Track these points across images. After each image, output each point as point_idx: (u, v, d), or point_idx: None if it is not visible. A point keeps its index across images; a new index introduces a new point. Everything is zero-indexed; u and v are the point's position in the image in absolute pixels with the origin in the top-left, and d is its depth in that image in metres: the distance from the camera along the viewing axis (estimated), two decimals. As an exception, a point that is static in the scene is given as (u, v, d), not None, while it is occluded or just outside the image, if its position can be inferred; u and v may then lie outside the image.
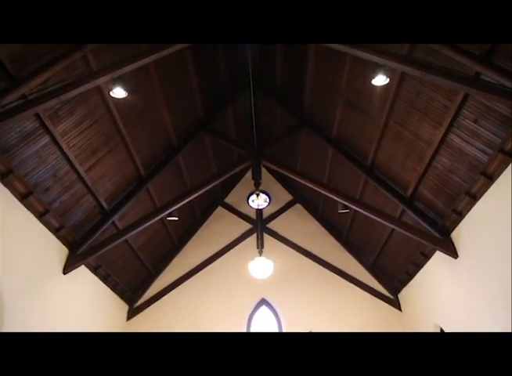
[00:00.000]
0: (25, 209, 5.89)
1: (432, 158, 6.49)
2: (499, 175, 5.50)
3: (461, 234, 6.75)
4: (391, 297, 10.20)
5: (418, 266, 8.55)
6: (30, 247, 6.11)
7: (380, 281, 10.41)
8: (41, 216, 6.24)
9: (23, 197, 5.77)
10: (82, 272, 7.69)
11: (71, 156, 6.20)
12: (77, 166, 6.44)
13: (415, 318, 9.18)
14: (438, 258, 7.57)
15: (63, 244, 7.00)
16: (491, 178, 5.64)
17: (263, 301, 10.52)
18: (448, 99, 5.76)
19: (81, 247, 7.25)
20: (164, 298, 10.40)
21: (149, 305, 10.32)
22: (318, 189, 7.99)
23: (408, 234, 7.35)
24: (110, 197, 7.60)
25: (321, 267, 10.66)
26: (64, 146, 6.00)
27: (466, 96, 5.45)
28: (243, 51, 7.53)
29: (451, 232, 7.02)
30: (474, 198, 6.12)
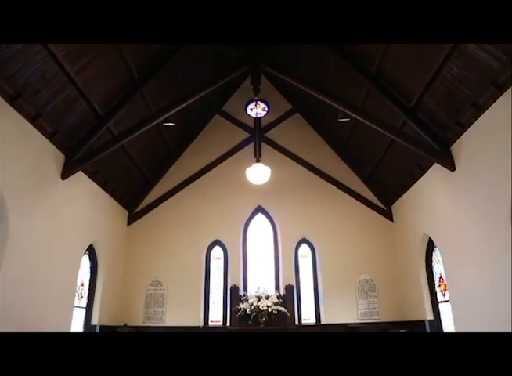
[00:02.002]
0: (16, 113, 5.70)
1: (441, 66, 6.14)
2: (509, 86, 5.25)
3: (461, 147, 6.68)
4: (384, 208, 10.49)
5: (414, 179, 8.64)
6: (26, 153, 6.03)
7: (375, 193, 10.61)
8: (33, 120, 6.06)
9: (13, 99, 5.54)
10: (81, 179, 7.74)
11: (59, 56, 5.82)
12: (67, 67, 6.07)
13: (406, 228, 9.55)
14: (435, 171, 7.61)
15: (59, 149, 6.91)
16: (500, 89, 5.40)
17: (259, 209, 10.82)
18: None
19: (78, 152, 7.18)
20: (162, 204, 10.65)
21: (148, 211, 10.61)
22: (319, 97, 7.70)
23: (407, 145, 7.28)
24: (104, 102, 7.33)
25: (317, 177, 10.78)
26: (50, 45, 5.59)
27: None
28: None
29: (451, 144, 6.95)
30: (480, 110, 5.93)
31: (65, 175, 7.04)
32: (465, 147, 6.57)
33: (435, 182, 7.72)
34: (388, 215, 10.41)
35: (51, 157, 6.73)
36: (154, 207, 10.64)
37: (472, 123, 6.23)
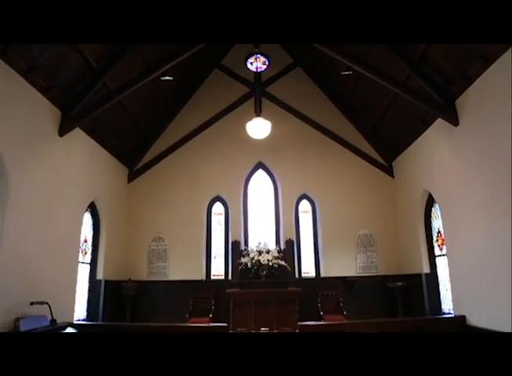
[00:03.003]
0: (7, 66, 5.51)
1: (450, 15, 5.85)
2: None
3: (466, 102, 6.52)
4: (385, 164, 10.45)
5: (416, 134, 8.52)
6: (22, 110, 5.89)
7: (376, 149, 10.52)
8: (26, 75, 5.88)
9: (2, 53, 5.33)
10: (79, 136, 7.63)
11: (49, 5, 5.53)
12: (58, 18, 5.80)
13: (406, 184, 9.55)
14: (438, 126, 7.48)
15: (55, 105, 6.76)
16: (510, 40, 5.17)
17: (260, 165, 10.78)
18: None
19: (74, 108, 7.02)
20: (162, 161, 10.60)
21: (148, 169, 10.58)
22: (321, 49, 7.41)
23: (411, 99, 7.11)
24: (98, 55, 7.06)
25: (318, 133, 10.64)
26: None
27: None
28: None
29: (456, 99, 6.78)
30: (488, 61, 5.72)
31: (62, 131, 6.93)
32: (470, 102, 6.41)
33: (438, 137, 7.62)
34: (389, 170, 10.38)
35: (47, 113, 6.59)
36: (154, 165, 10.59)
37: (479, 76, 6.03)
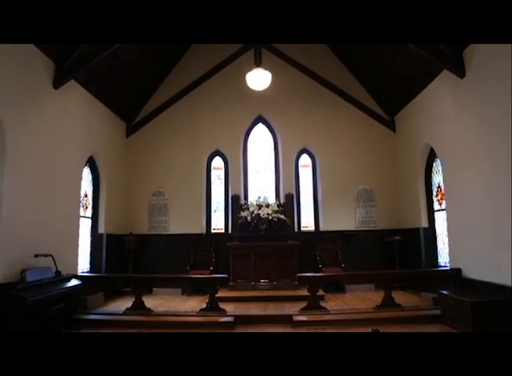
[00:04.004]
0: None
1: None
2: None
3: (473, 53, 6.27)
4: (387, 118, 10.25)
5: (420, 87, 8.29)
6: (14, 62, 5.67)
7: (378, 102, 10.28)
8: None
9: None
10: (75, 89, 7.42)
11: None
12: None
13: (407, 139, 9.42)
14: (443, 78, 7.27)
15: (48, 57, 6.50)
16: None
17: (260, 119, 10.59)
18: None
19: (68, 59, 6.76)
20: (161, 115, 10.39)
21: (147, 122, 10.39)
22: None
23: (417, 50, 6.83)
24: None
25: (320, 85, 10.35)
26: None
27: None
28: None
29: (463, 49, 6.52)
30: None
31: (57, 84, 6.72)
32: (478, 52, 6.16)
33: (442, 90, 7.41)
34: (391, 125, 10.21)
35: (40, 65, 6.36)
36: (153, 118, 10.39)
37: (490, 25, 5.75)
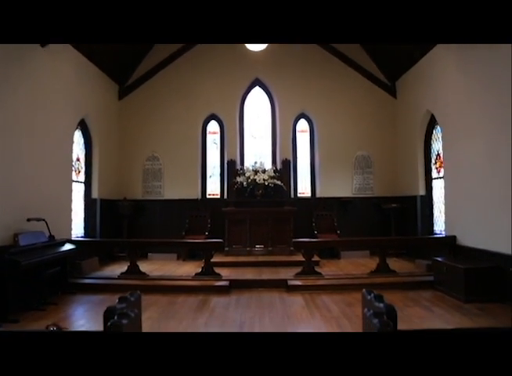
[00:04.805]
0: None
1: None
2: None
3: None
4: (388, 83, 9.97)
5: (423, 51, 8.01)
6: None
7: (380, 67, 9.97)
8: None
9: None
10: (64, 49, 7.10)
11: None
12: None
13: (408, 105, 9.20)
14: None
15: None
16: None
17: (257, 82, 10.28)
18: None
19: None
20: (154, 77, 10.04)
21: (140, 85, 10.06)
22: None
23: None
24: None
25: (319, 48, 9.97)
26: None
27: None
28: None
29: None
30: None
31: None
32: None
33: (446, 55, 7.15)
34: (392, 90, 9.95)
35: (24, 20, 6.01)
36: (146, 80, 10.05)
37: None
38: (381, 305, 2.04)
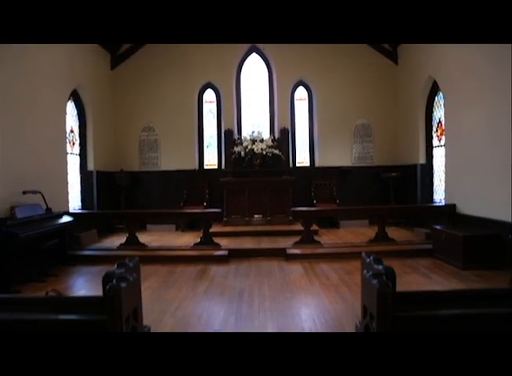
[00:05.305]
0: None
1: None
2: None
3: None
4: (390, 49, 9.70)
5: (426, 12, 7.72)
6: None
7: (381, 30, 9.66)
8: None
9: None
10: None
11: None
12: None
13: (410, 71, 8.97)
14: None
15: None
16: None
17: (253, 49, 9.99)
18: None
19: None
20: (148, 45, 9.71)
21: (132, 53, 9.77)
22: None
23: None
24: None
25: (319, 12, 9.64)
26: None
27: None
28: None
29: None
30: None
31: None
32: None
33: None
34: (393, 56, 9.69)
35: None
36: (139, 49, 9.74)
37: None
38: (380, 267, 2.02)
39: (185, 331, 3.46)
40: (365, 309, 2.02)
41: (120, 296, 1.73)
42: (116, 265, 2.05)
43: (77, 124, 8.32)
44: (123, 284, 1.81)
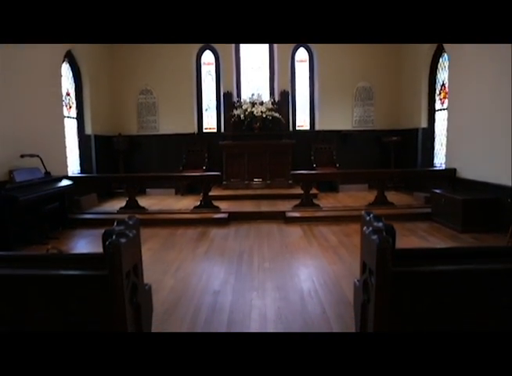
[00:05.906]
0: None
1: None
2: None
3: None
4: (394, 6, 9.35)
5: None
6: None
7: (385, -13, 9.28)
8: None
9: None
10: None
11: None
12: None
13: (414, 29, 8.69)
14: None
15: None
16: None
17: (253, 8, 9.63)
18: None
19: None
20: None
21: None
22: None
23: None
24: None
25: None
26: None
27: None
28: None
29: None
30: None
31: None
32: None
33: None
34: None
35: None
36: (134, 6, 9.38)
37: None
38: (380, 224, 2.02)
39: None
40: (364, 266, 2.03)
41: (120, 251, 1.74)
42: (115, 223, 2.04)
43: (73, 86, 8.14)
44: (122, 240, 1.81)
